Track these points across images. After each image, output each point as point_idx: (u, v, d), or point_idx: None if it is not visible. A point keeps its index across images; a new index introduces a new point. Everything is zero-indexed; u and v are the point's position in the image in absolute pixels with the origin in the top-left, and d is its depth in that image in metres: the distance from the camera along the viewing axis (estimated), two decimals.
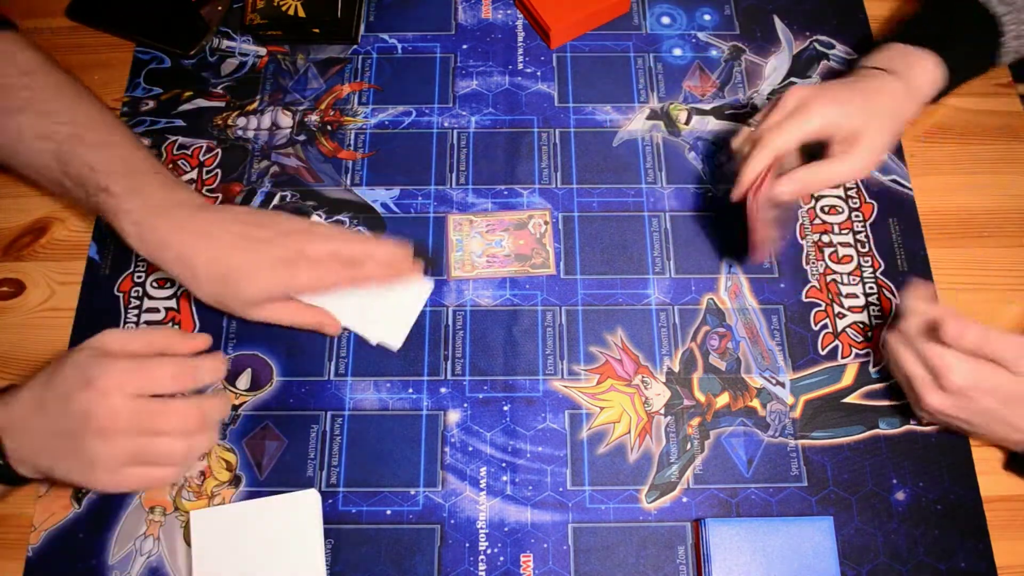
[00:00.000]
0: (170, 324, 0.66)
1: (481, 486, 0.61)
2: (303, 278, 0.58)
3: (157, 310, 0.66)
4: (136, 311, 0.66)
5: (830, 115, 0.60)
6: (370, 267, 0.60)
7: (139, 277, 0.68)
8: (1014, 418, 0.55)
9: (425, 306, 0.66)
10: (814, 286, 0.68)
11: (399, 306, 0.65)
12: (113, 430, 0.49)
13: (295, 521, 0.58)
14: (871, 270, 0.68)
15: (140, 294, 0.67)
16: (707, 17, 0.81)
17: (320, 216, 0.70)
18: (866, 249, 0.69)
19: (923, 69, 0.64)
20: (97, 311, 0.66)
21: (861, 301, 0.67)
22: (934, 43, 0.65)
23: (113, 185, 0.57)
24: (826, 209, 0.71)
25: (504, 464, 0.62)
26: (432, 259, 0.68)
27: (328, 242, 0.59)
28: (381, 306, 0.64)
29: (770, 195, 0.60)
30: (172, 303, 0.66)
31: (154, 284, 0.67)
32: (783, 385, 0.64)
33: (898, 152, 0.73)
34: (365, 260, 0.60)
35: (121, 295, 0.67)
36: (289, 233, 0.59)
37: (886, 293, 0.67)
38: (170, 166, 0.72)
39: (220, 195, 0.71)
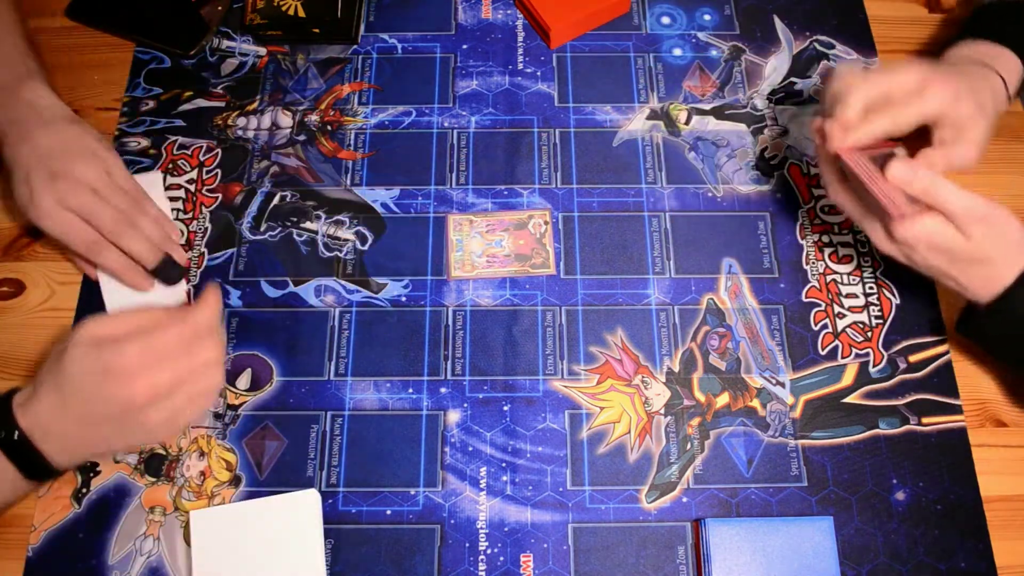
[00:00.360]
0: None
1: (481, 486, 0.61)
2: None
3: None
4: None
5: (947, 100, 0.57)
6: (109, 256, 0.62)
7: None
8: (961, 276, 0.55)
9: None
10: (814, 286, 0.68)
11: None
12: (157, 398, 0.51)
13: (295, 521, 0.58)
14: (871, 270, 0.68)
15: None
16: (707, 17, 0.81)
17: (321, 216, 0.70)
18: (866, 249, 0.69)
19: (1009, 66, 0.63)
20: (97, 311, 0.66)
21: (861, 301, 0.67)
22: (1013, 42, 0.64)
23: None
24: (826, 209, 0.71)
25: (504, 464, 0.62)
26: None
27: (93, 203, 0.61)
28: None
29: (901, 184, 0.55)
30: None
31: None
32: (783, 385, 0.64)
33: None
34: (117, 243, 0.62)
35: None
36: (80, 148, 0.62)
37: (886, 293, 0.67)
38: (170, 165, 0.72)
39: (220, 195, 0.71)
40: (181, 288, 0.66)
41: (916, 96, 0.57)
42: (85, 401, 0.50)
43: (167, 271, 0.65)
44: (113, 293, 0.65)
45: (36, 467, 0.52)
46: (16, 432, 0.50)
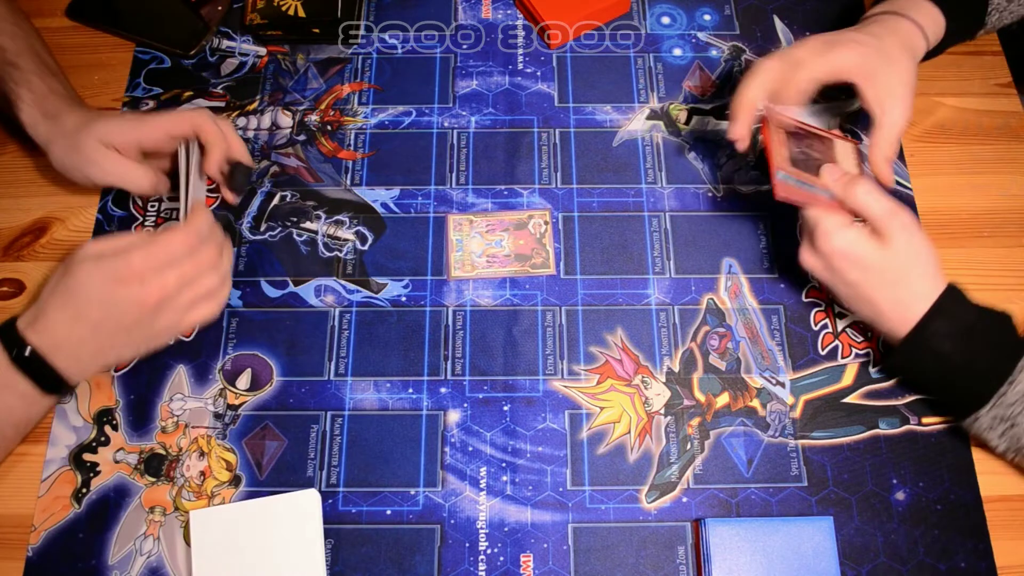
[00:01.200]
0: None
1: (481, 486, 0.61)
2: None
3: None
4: None
5: (858, 58, 0.60)
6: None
7: None
8: (878, 299, 0.56)
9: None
10: (814, 286, 0.68)
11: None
12: (167, 299, 0.56)
13: (295, 521, 0.58)
14: None
15: None
16: (707, 17, 0.81)
17: (321, 216, 0.70)
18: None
19: (925, 11, 0.65)
20: None
21: None
22: None
23: (22, 62, 0.65)
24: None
25: (504, 464, 0.62)
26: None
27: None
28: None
29: (882, 178, 0.60)
30: None
31: None
32: (783, 385, 0.64)
33: (898, 152, 0.73)
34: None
35: None
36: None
37: None
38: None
39: (219, 197, 0.71)
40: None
41: (821, 55, 0.60)
42: (98, 310, 0.55)
43: (243, 175, 0.65)
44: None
45: (50, 382, 0.55)
46: (28, 348, 0.54)
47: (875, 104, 0.60)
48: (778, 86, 0.61)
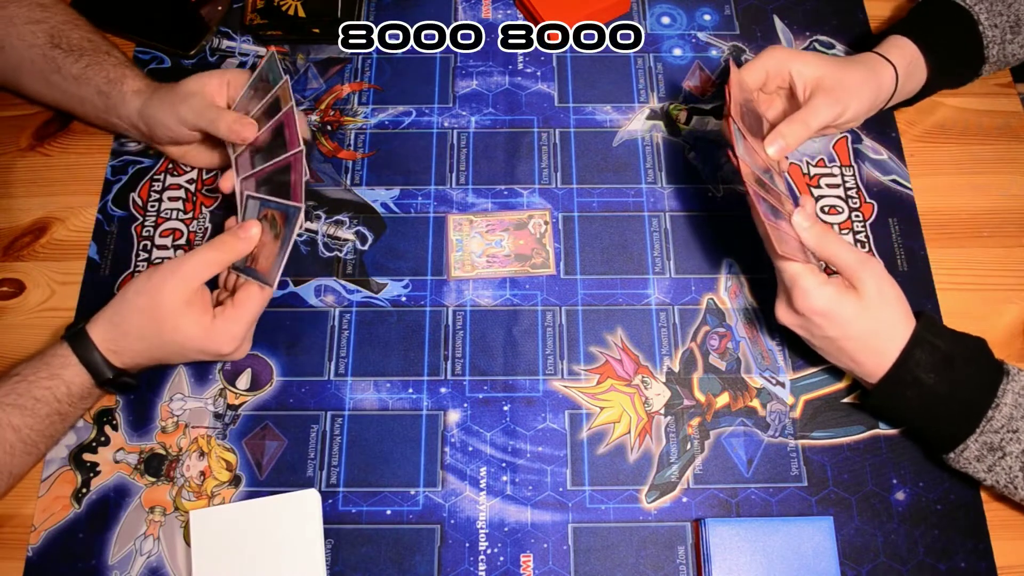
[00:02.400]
0: None
1: (481, 486, 0.61)
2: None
3: None
4: None
5: (786, 56, 0.64)
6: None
7: None
8: (855, 349, 0.56)
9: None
10: None
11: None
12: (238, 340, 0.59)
13: (295, 521, 0.58)
14: None
15: None
16: (707, 17, 0.81)
17: (321, 216, 0.70)
18: (866, 249, 0.69)
19: (901, 47, 0.66)
20: (97, 311, 0.66)
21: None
22: (912, 32, 0.67)
23: (113, 52, 0.68)
24: (826, 209, 0.71)
25: (504, 464, 0.62)
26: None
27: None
28: None
29: (760, 162, 0.61)
30: None
31: None
32: (783, 385, 0.64)
33: (898, 152, 0.73)
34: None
35: None
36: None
37: None
38: (170, 165, 0.72)
39: (220, 195, 0.71)
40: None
41: (757, 56, 0.64)
42: (176, 356, 0.59)
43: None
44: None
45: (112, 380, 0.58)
46: (117, 375, 0.57)
47: (804, 93, 0.64)
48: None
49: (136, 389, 0.61)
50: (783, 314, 0.58)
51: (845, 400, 0.63)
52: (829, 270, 0.59)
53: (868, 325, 0.55)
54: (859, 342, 0.56)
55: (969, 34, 0.68)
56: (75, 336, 0.57)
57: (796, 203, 0.59)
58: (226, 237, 0.59)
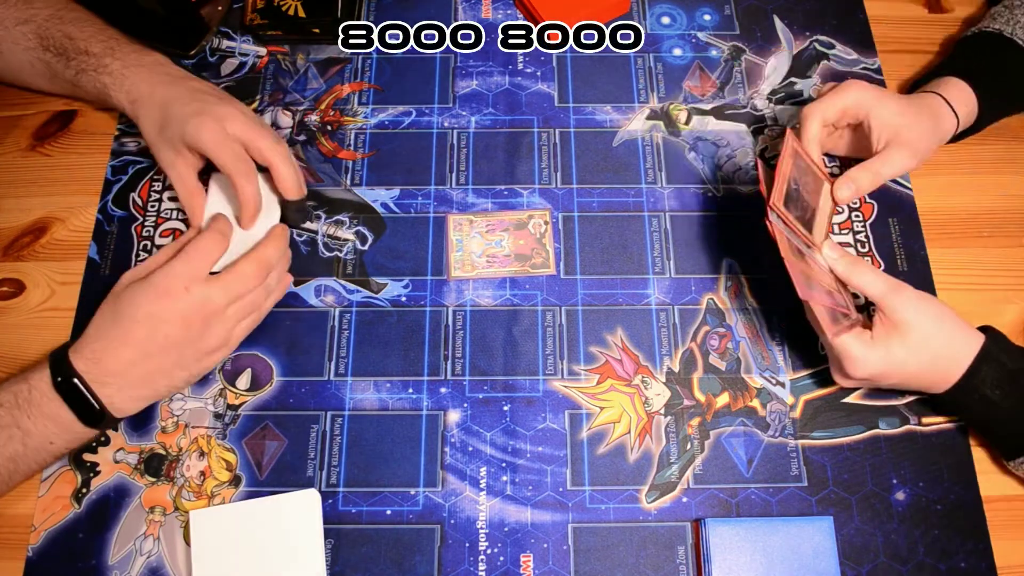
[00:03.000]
0: None
1: (481, 486, 0.61)
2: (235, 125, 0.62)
3: None
4: None
5: (867, 95, 0.62)
6: (245, 184, 0.62)
7: None
8: (922, 384, 0.58)
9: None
10: None
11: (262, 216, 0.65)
12: (214, 312, 0.56)
13: (295, 521, 0.58)
14: None
15: None
16: (707, 17, 0.81)
17: (321, 216, 0.70)
18: (866, 249, 0.69)
19: (955, 88, 0.67)
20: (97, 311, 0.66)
21: (861, 301, 0.67)
22: (963, 71, 0.68)
23: (92, 47, 0.66)
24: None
25: (504, 464, 0.62)
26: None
27: (247, 130, 0.62)
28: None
29: (835, 198, 0.62)
30: None
31: None
32: (783, 385, 0.64)
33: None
34: (265, 157, 0.62)
35: None
36: (233, 98, 0.65)
37: None
38: None
39: None
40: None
41: (835, 90, 0.63)
42: (145, 327, 0.55)
43: (299, 211, 0.66)
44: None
45: (91, 412, 0.55)
46: (73, 377, 0.54)
47: (879, 142, 0.63)
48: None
49: (87, 404, 0.55)
50: (843, 381, 0.59)
51: (846, 400, 0.63)
52: (867, 323, 0.59)
53: (925, 357, 0.56)
54: (922, 375, 0.57)
55: (1020, 69, 0.68)
56: (58, 347, 0.57)
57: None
58: (179, 240, 0.62)
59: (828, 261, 0.58)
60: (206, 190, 0.65)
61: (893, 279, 0.57)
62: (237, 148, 0.61)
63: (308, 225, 0.70)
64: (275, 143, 0.62)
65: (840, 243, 0.69)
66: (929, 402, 0.63)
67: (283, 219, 0.65)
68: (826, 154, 0.71)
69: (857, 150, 0.69)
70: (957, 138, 0.70)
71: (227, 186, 0.64)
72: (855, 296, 0.64)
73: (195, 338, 0.56)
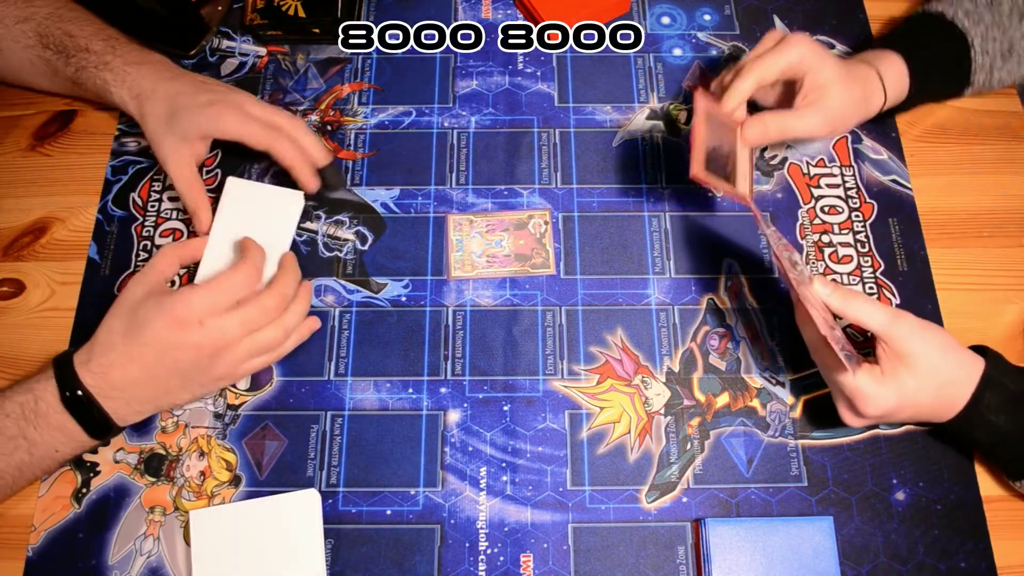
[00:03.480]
0: None
1: (481, 486, 0.61)
2: (229, 121, 0.63)
3: None
4: None
5: (808, 56, 0.62)
6: (286, 144, 0.64)
7: None
8: (930, 414, 0.57)
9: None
10: None
11: (275, 227, 0.66)
12: (227, 346, 0.56)
13: (295, 521, 0.58)
14: (871, 270, 0.68)
15: None
16: (707, 17, 0.81)
17: (321, 216, 0.70)
18: (866, 249, 0.69)
19: (891, 65, 0.67)
20: (97, 311, 0.66)
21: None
22: (903, 48, 0.68)
23: (93, 44, 0.66)
24: (826, 209, 0.71)
25: (504, 464, 0.62)
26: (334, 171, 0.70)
27: (263, 111, 0.65)
28: (260, 229, 0.64)
29: (743, 138, 0.63)
30: None
31: None
32: (783, 385, 0.64)
33: (898, 152, 0.73)
34: (285, 131, 0.65)
35: None
36: (236, 88, 0.67)
37: (886, 293, 0.67)
38: None
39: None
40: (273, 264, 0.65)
41: (775, 51, 0.62)
42: (155, 353, 0.54)
43: (335, 174, 0.67)
44: (223, 237, 0.64)
45: (98, 424, 0.55)
46: (80, 390, 0.54)
47: (803, 99, 0.63)
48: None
49: (95, 417, 0.55)
50: (853, 420, 0.57)
51: None
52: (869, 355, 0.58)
53: (933, 385, 0.55)
54: (932, 404, 0.56)
55: (959, 57, 0.68)
56: (61, 354, 0.56)
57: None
58: (180, 242, 0.62)
59: (822, 296, 0.56)
60: (216, 199, 0.66)
61: (891, 308, 0.56)
62: (261, 122, 0.63)
63: (308, 225, 0.70)
64: (291, 118, 0.66)
65: (840, 243, 0.69)
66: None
67: (324, 186, 0.68)
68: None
69: (780, 104, 0.68)
70: (884, 115, 0.70)
71: (239, 196, 0.65)
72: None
73: (204, 367, 0.56)
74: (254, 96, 0.66)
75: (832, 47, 0.79)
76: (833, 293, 0.55)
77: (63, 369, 0.55)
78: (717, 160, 0.60)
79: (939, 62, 0.68)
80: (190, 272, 0.67)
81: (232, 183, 0.66)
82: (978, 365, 0.56)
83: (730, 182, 0.60)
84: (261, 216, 0.65)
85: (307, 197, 0.70)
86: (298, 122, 0.66)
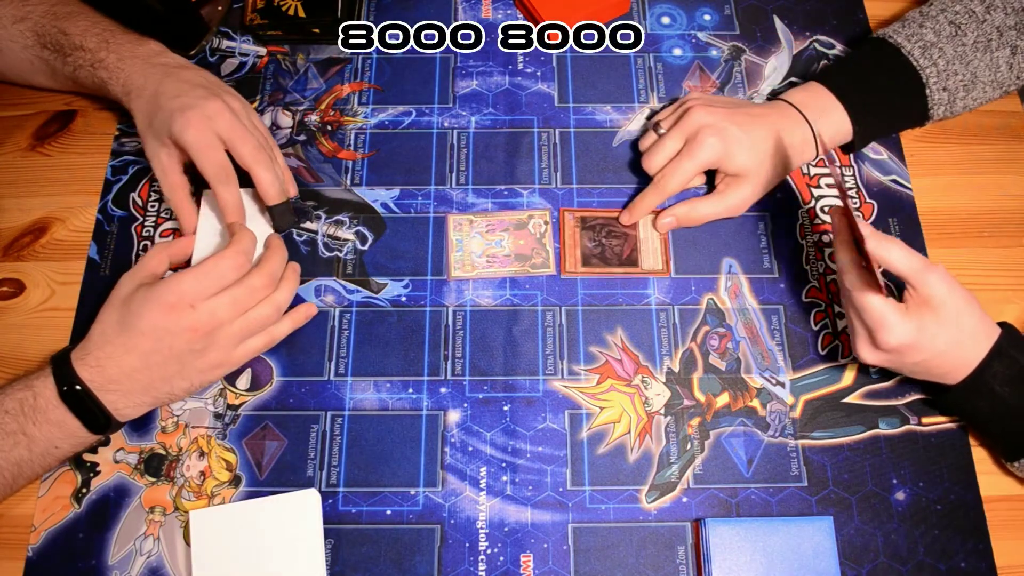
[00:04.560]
0: None
1: (481, 486, 0.61)
2: (222, 120, 0.62)
3: None
4: None
5: (721, 151, 0.65)
6: (230, 185, 0.62)
7: None
8: (942, 367, 0.57)
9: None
10: (814, 286, 0.68)
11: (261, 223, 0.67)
12: (219, 325, 0.56)
13: (295, 521, 0.58)
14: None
15: None
16: (707, 17, 0.81)
17: (321, 216, 0.70)
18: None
19: (832, 120, 0.67)
20: (97, 311, 0.66)
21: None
22: (847, 96, 0.67)
23: (87, 42, 0.66)
24: (826, 209, 0.71)
25: (504, 464, 0.62)
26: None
27: (232, 131, 0.62)
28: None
29: (655, 227, 0.69)
30: None
31: None
32: (783, 385, 0.64)
33: (898, 152, 0.73)
34: (245, 164, 0.63)
35: None
36: (226, 89, 0.66)
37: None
38: None
39: None
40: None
41: (686, 155, 0.66)
42: (150, 339, 0.55)
43: (284, 214, 0.66)
44: (205, 249, 0.65)
45: (97, 419, 0.55)
46: (77, 384, 0.54)
47: (719, 184, 0.68)
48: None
49: (94, 411, 0.55)
50: (868, 354, 0.57)
51: (846, 400, 0.63)
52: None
53: (951, 337, 0.55)
54: (945, 356, 0.56)
55: (914, 92, 0.67)
56: (59, 352, 0.57)
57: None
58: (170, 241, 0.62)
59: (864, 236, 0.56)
60: (198, 201, 0.66)
61: (924, 258, 0.55)
62: (219, 155, 0.61)
63: (308, 225, 0.70)
64: (255, 150, 0.62)
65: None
66: (930, 402, 0.63)
67: (274, 224, 0.66)
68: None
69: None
70: (845, 149, 0.71)
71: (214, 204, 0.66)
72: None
73: (199, 351, 0.57)
74: (237, 100, 0.65)
75: (832, 47, 0.79)
76: (871, 236, 0.55)
77: (60, 365, 0.55)
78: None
79: (886, 102, 0.68)
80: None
81: (207, 195, 0.66)
82: (994, 333, 0.56)
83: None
84: (247, 214, 0.65)
85: (306, 197, 0.70)
86: (262, 155, 0.62)
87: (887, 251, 0.54)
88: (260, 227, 0.66)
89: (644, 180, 0.72)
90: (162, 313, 0.55)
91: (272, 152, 0.66)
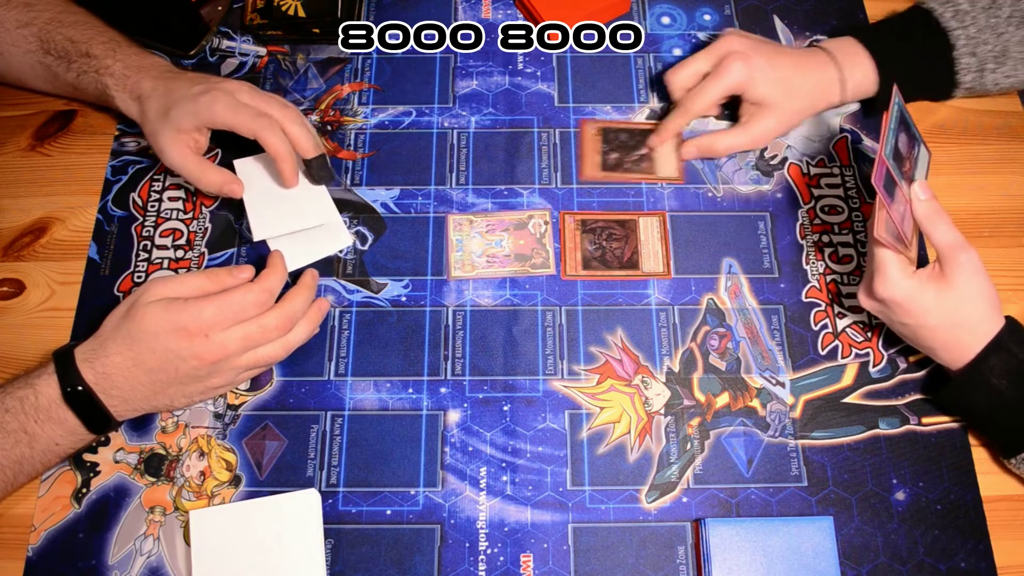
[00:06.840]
0: None
1: (481, 486, 0.61)
2: (220, 110, 0.62)
3: None
4: None
5: (746, 75, 0.66)
6: (272, 134, 0.62)
7: (139, 277, 0.68)
8: (933, 342, 0.58)
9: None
10: (814, 286, 0.68)
11: (314, 241, 0.68)
12: (226, 359, 0.56)
13: (295, 521, 0.58)
14: None
15: None
16: (707, 17, 0.81)
17: None
18: (866, 249, 0.69)
19: (859, 68, 0.68)
20: (97, 311, 0.66)
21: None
22: (876, 49, 0.68)
23: (93, 49, 0.66)
24: (826, 209, 0.71)
25: (504, 464, 0.62)
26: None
27: (256, 99, 0.64)
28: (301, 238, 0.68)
29: (681, 154, 0.71)
30: None
31: None
32: (783, 385, 0.64)
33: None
34: (275, 120, 0.63)
35: (121, 295, 0.67)
36: (227, 83, 0.65)
37: None
38: None
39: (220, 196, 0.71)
40: (326, 212, 0.68)
41: (713, 77, 0.67)
42: (159, 357, 0.55)
43: (322, 168, 0.66)
44: (260, 218, 0.66)
45: (97, 419, 0.56)
46: (81, 386, 0.54)
47: (742, 116, 0.69)
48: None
49: (95, 412, 0.55)
50: (863, 299, 0.59)
51: (846, 400, 0.63)
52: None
53: (950, 316, 0.55)
54: (938, 332, 0.56)
55: (941, 56, 0.68)
56: (61, 348, 0.57)
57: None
58: (220, 270, 0.59)
59: (913, 199, 0.57)
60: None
61: (963, 238, 0.56)
62: (252, 110, 0.62)
63: None
64: (283, 106, 0.64)
65: (840, 243, 0.69)
66: (930, 401, 0.63)
67: (312, 179, 0.67)
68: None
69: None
70: (866, 112, 0.72)
71: (252, 168, 0.67)
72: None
73: (202, 377, 0.57)
74: (253, 85, 0.65)
75: None
76: (925, 202, 0.56)
77: (64, 364, 0.55)
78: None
79: (914, 60, 0.69)
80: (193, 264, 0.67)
81: (238, 164, 0.68)
82: (997, 327, 0.56)
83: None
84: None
85: None
86: (291, 112, 0.64)
87: (933, 224, 0.56)
88: (319, 206, 0.67)
89: (644, 181, 0.72)
90: (176, 336, 0.55)
91: (297, 111, 0.66)
